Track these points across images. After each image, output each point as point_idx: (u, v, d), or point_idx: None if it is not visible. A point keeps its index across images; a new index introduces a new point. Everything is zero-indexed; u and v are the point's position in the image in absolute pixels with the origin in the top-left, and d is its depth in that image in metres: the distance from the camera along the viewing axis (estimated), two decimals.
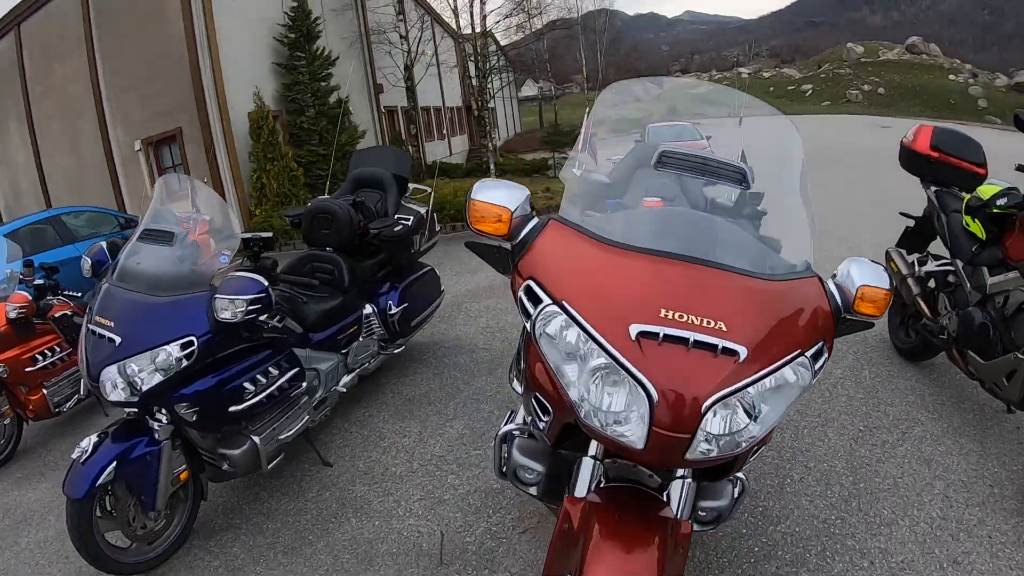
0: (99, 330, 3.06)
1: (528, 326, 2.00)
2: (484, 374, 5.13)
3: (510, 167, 21.00)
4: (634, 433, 1.78)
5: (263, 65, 15.52)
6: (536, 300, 1.98)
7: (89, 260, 3.74)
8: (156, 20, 13.91)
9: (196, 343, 3.06)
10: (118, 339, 3.00)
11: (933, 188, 4.53)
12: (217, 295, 3.07)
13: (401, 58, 19.85)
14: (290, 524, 3.55)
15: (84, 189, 15.66)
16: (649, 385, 1.73)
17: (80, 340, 3.22)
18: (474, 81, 21.79)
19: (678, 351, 1.78)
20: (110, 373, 3.00)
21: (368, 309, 4.72)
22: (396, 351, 5.05)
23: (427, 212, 5.37)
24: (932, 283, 4.42)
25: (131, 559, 3.18)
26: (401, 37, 19.42)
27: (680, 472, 1.98)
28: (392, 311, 4.82)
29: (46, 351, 5.23)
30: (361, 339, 4.59)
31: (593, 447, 2.00)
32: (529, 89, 58.93)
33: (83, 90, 15.38)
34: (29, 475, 4.88)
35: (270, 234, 3.85)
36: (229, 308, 3.05)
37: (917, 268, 4.58)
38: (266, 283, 3.18)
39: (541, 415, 2.12)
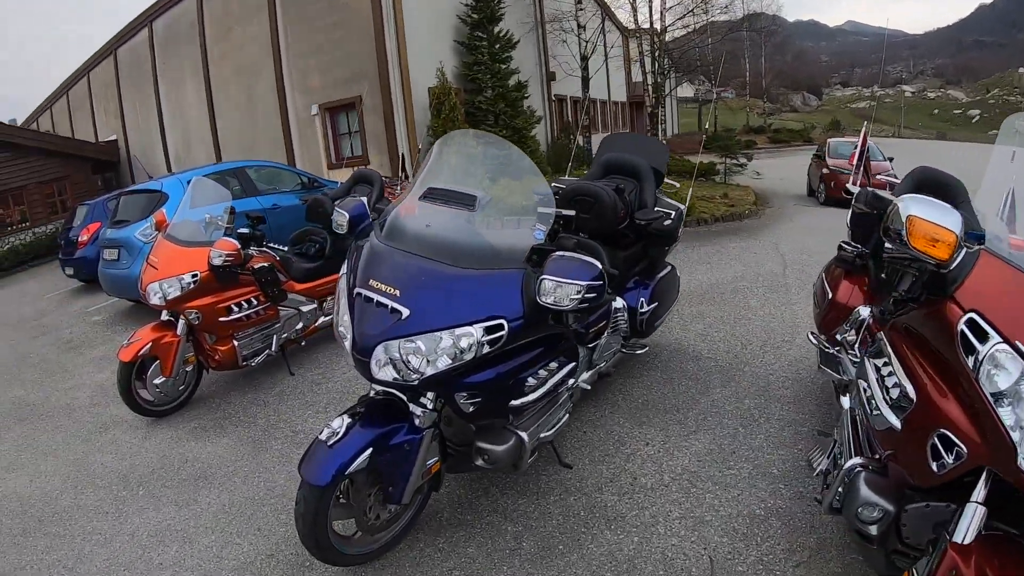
0: (378, 297, 2.74)
1: (969, 361, 1.86)
2: (718, 386, 4.71)
3: (675, 168, 20.08)
4: None
5: (445, 42, 15.52)
6: (981, 335, 1.86)
7: (347, 214, 3.35)
8: None
9: (506, 327, 2.71)
10: (405, 311, 2.67)
11: None
12: (546, 276, 2.73)
13: (577, 47, 19.44)
14: (533, 528, 3.25)
15: (256, 148, 16.12)
16: None
17: (340, 304, 2.99)
18: (648, 77, 20.82)
19: None
20: (389, 349, 2.66)
21: (619, 303, 4.32)
22: (639, 351, 4.67)
23: (681, 210, 4.98)
24: None
25: (355, 550, 2.97)
26: (580, 26, 19.07)
27: None
28: (643, 309, 4.48)
29: (243, 302, 5.16)
30: (608, 335, 4.19)
31: (978, 492, 1.84)
32: (684, 91, 57.20)
33: (262, 53, 15.82)
34: (206, 427, 4.87)
35: (571, 212, 3.65)
36: (556, 292, 2.71)
37: None
38: (600, 266, 2.80)
39: (946, 454, 1.88)
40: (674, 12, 20.26)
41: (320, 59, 14.74)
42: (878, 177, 5.24)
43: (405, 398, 2.87)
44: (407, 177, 7.56)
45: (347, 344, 2.82)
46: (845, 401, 3.12)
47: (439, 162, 3.36)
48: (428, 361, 2.63)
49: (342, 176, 12.99)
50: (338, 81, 14.45)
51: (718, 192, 14.01)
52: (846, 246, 4.13)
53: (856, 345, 3.64)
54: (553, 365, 3.13)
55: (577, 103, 22.38)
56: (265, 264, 5.20)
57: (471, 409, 2.82)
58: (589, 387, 3.98)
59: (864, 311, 3.69)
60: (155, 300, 4.85)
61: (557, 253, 2.86)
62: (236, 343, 5.13)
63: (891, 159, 14.96)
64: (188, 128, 19.03)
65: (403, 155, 8.36)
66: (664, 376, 4.92)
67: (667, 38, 20.37)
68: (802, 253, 8.86)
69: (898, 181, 4.45)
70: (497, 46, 15.88)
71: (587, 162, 18.61)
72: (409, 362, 2.63)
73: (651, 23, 20.40)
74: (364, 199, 5.60)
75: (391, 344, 2.64)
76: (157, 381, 4.92)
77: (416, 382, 2.66)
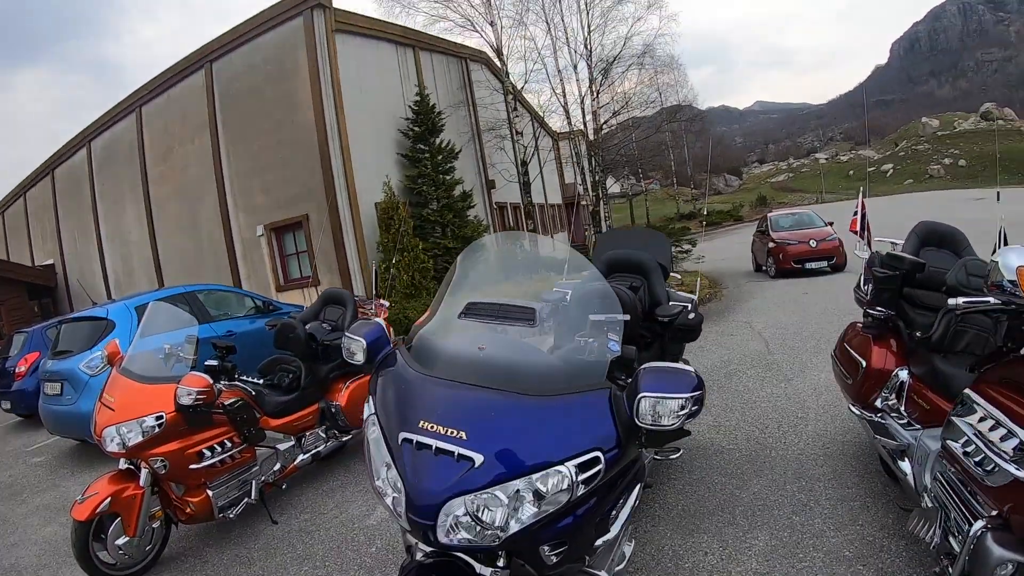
0: (437, 443, 2.27)
1: None
2: (752, 477, 4.49)
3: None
4: None
5: (388, 156, 15.58)
6: None
7: (363, 341, 2.90)
8: (285, 107, 14.05)
9: (603, 460, 2.26)
10: (477, 457, 2.21)
11: None
12: (644, 393, 2.25)
13: (515, 153, 19.83)
14: None
15: (200, 270, 15.73)
16: None
17: (375, 455, 2.50)
18: (588, 176, 21.28)
19: None
20: (460, 506, 2.17)
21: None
22: (674, 457, 4.46)
23: (695, 301, 4.85)
24: None
25: None
26: (517, 132, 19.51)
27: None
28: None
29: (215, 446, 4.53)
30: None
31: None
32: (611, 187, 60.23)
33: (204, 173, 15.63)
34: None
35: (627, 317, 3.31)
36: (656, 410, 2.26)
37: None
38: (695, 373, 2.39)
39: None
40: (606, 110, 20.95)
41: (264, 178, 14.56)
42: (877, 239, 5.28)
43: (472, 560, 2.34)
44: (379, 295, 7.32)
45: (397, 505, 2.30)
46: (906, 466, 3.15)
47: (465, 274, 3.06)
48: (511, 515, 2.16)
49: (292, 298, 12.85)
50: (283, 200, 14.23)
51: (670, 282, 13.95)
52: (873, 312, 4.01)
53: (903, 407, 3.56)
54: (636, 491, 2.75)
55: (517, 209, 22.70)
56: (239, 400, 4.67)
57: (554, 560, 2.34)
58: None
59: (903, 373, 3.64)
60: (113, 447, 4.21)
61: (647, 366, 2.43)
62: (210, 492, 4.47)
63: (831, 223, 15.43)
64: (128, 251, 18.53)
65: (375, 266, 7.85)
66: (695, 477, 4.62)
67: (598, 137, 21.02)
68: (777, 328, 8.98)
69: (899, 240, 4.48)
70: (440, 157, 16.01)
71: None
72: (486, 519, 2.16)
73: (584, 124, 21.02)
74: (381, 321, 5.17)
75: (463, 499, 2.17)
76: (119, 541, 4.19)
77: (497, 542, 2.18)
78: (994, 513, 2.34)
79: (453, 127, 18.21)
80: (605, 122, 20.98)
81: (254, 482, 4.84)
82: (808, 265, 14.40)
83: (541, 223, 27.98)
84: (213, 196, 15.44)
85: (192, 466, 4.36)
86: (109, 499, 4.14)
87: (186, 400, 4.22)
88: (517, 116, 19.68)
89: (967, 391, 2.61)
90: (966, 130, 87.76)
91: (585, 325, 2.96)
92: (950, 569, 2.56)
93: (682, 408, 2.25)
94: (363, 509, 4.89)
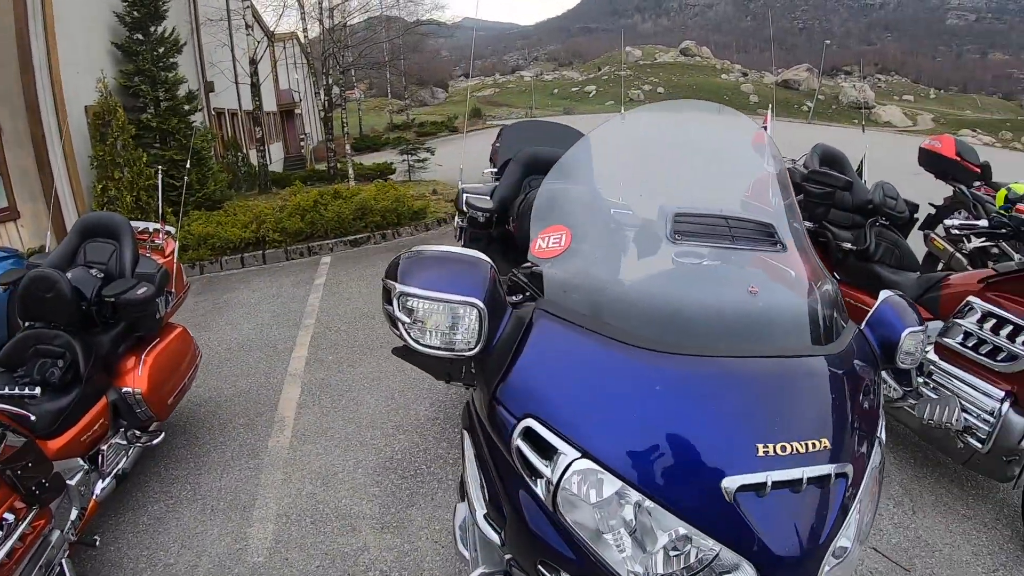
0: (780, 475, 1.56)
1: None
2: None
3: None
4: None
5: (100, 46, 12.87)
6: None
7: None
8: None
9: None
10: (847, 469, 1.72)
11: (959, 184, 5.95)
12: (912, 328, 2.05)
13: (245, 51, 17.90)
14: None
15: None
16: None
17: (612, 525, 1.63)
18: (323, 80, 20.28)
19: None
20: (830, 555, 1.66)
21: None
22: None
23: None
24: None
25: None
26: (248, 26, 17.64)
27: None
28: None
29: None
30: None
31: None
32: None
33: None
34: None
35: None
36: (913, 342, 2.06)
37: (965, 245, 5.83)
38: None
39: None
40: (340, 10, 19.95)
41: None
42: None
43: None
44: (163, 218, 5.26)
45: None
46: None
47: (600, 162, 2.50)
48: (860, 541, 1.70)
49: None
50: None
51: (423, 190, 14.79)
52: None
53: None
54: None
55: (235, 117, 21.05)
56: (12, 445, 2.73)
57: None
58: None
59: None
60: None
61: (886, 295, 2.14)
62: None
63: None
64: None
65: (160, 173, 5.33)
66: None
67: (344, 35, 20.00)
68: None
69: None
70: (161, 49, 13.57)
71: (261, 183, 17.49)
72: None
73: (321, 19, 19.75)
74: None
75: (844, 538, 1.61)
76: None
77: None
78: (1005, 392, 3.22)
79: (178, 14, 15.71)
80: (350, 16, 20.13)
81: (58, 552, 3.02)
82: None
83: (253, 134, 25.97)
84: None
85: None
86: None
87: None
88: (248, 7, 17.71)
89: (971, 298, 3.48)
90: (666, 62, 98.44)
91: None
92: (972, 442, 3.36)
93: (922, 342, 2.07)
94: (227, 537, 3.79)
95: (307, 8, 19.73)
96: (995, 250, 5.52)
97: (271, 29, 22.24)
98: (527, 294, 1.97)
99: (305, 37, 22.18)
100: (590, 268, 2.06)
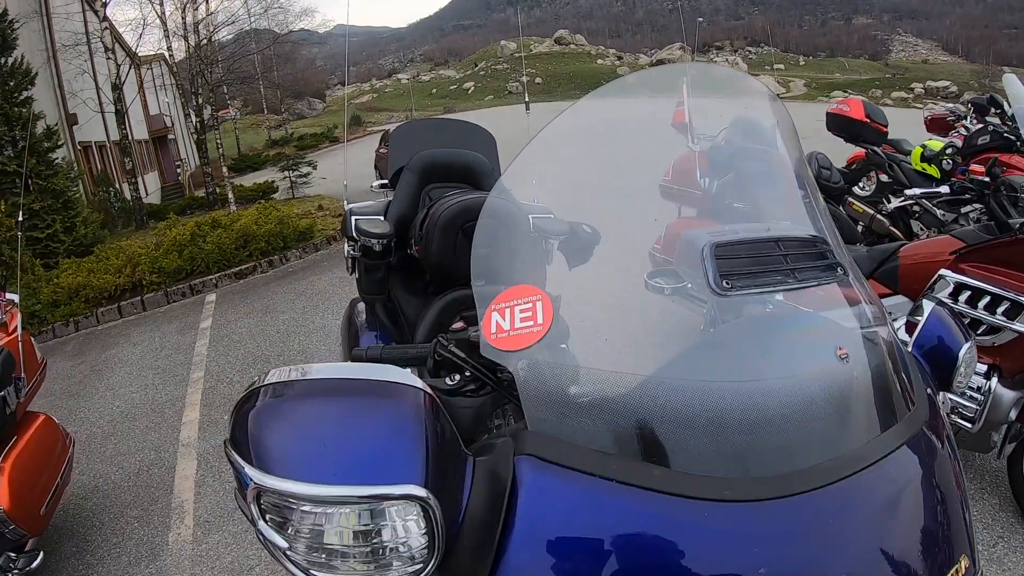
0: None
1: None
2: None
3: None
4: None
5: None
6: None
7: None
8: None
9: None
10: None
11: (871, 146, 6.05)
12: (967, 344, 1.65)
13: (107, 76, 16.91)
14: None
15: None
16: None
17: None
18: (192, 100, 19.41)
19: None
20: None
21: None
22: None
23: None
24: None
25: None
26: (108, 48, 16.47)
27: None
28: None
29: None
30: None
31: None
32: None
33: None
34: None
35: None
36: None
37: (885, 206, 6.22)
38: None
39: None
40: (206, 25, 19.20)
41: None
42: None
43: None
44: (1, 286, 4.67)
45: None
46: None
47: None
48: None
49: None
50: None
51: (308, 207, 14.33)
52: None
53: None
54: None
55: (103, 149, 20.01)
56: None
57: None
58: None
59: None
60: None
61: (931, 306, 1.70)
62: None
63: None
64: None
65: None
66: None
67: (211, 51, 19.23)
68: None
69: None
70: (11, 83, 12.57)
71: (137, 219, 16.60)
72: None
73: (186, 37, 18.94)
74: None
75: None
76: None
77: None
78: (988, 366, 3.16)
79: (27, 42, 14.53)
80: (215, 31, 19.38)
81: None
82: None
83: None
84: None
85: None
86: None
87: None
88: (107, 28, 16.55)
89: (943, 271, 3.36)
90: (542, 52, 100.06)
91: None
92: (961, 423, 3.20)
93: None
94: None
95: (170, 26, 18.81)
96: (915, 207, 5.65)
97: (134, 50, 21.19)
98: (482, 392, 1.33)
99: (171, 56, 21.17)
100: (601, 360, 1.28)
